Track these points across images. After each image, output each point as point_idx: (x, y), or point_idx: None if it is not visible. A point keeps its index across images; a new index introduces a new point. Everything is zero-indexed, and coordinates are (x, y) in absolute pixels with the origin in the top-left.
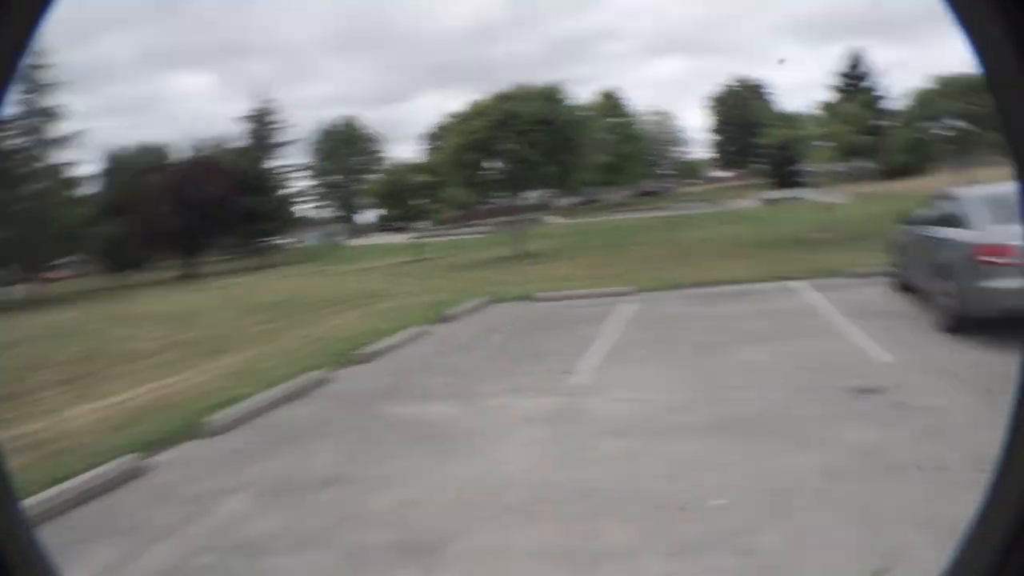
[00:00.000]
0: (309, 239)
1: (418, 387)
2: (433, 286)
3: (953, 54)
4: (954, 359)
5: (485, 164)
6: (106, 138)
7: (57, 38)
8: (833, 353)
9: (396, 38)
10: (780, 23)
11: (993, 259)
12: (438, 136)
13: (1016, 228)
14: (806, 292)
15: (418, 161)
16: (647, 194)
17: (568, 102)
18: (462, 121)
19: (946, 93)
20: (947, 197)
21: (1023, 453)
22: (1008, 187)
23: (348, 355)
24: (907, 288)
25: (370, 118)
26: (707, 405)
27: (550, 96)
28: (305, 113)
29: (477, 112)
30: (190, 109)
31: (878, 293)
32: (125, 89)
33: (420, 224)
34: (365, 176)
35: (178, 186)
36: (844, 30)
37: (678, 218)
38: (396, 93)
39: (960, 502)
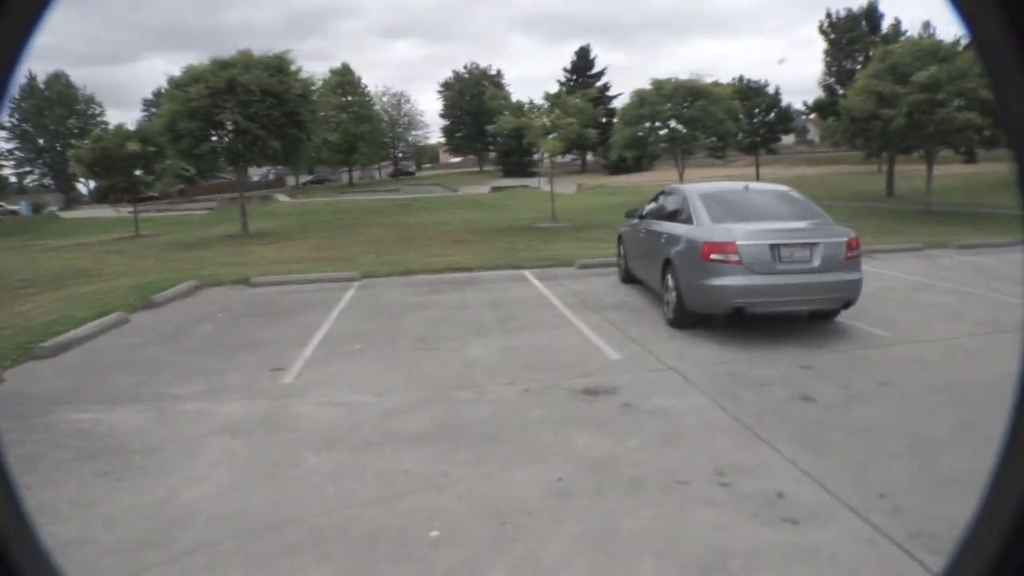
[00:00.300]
0: (24, 208)
1: (104, 388)
2: (146, 267)
3: (668, 62)
4: (682, 357)
5: (203, 135)
6: None
7: None
8: (561, 349)
9: None
10: (513, 17)
11: (718, 257)
12: (157, 103)
13: (740, 226)
14: (535, 281)
15: (133, 129)
16: (393, 175)
17: (295, 74)
18: (178, 87)
19: (662, 94)
20: (671, 193)
21: (1022, 453)
22: (729, 186)
23: (27, 349)
24: (634, 280)
25: (86, 77)
26: (428, 408)
27: (275, 66)
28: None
29: (194, 78)
30: None
31: (606, 284)
32: None
33: (143, 197)
34: (79, 142)
35: None
36: (573, 30)
37: (410, 201)
38: (118, 53)
39: (701, 523)
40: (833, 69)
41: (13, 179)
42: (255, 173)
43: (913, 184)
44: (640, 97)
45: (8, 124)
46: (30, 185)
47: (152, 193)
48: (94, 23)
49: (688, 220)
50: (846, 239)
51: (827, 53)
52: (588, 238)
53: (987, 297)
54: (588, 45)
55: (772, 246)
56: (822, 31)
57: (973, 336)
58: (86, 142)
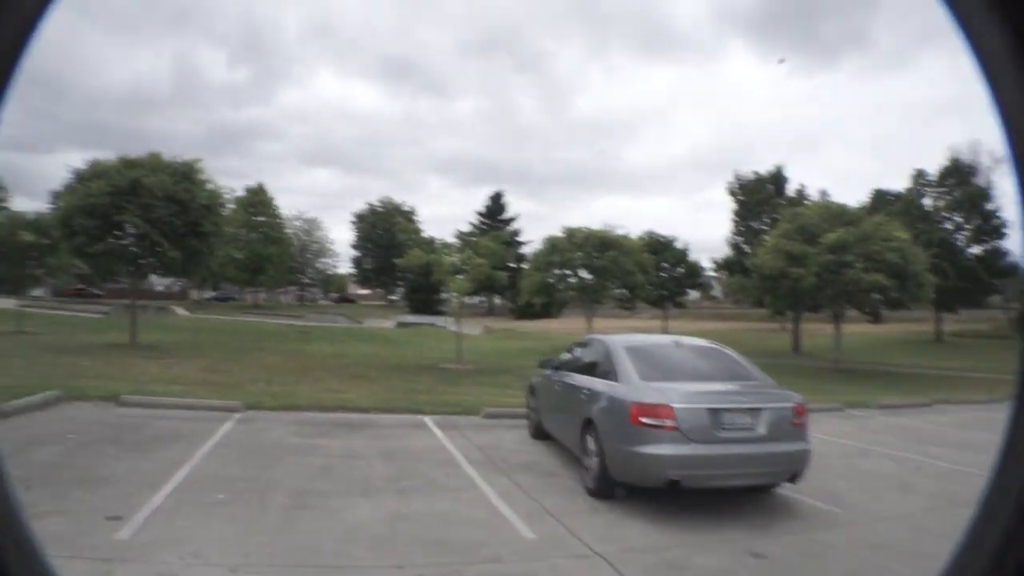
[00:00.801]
0: None
1: None
2: (10, 368)
3: (579, 213)
4: (610, 538)
5: (100, 235)
6: None
7: None
8: (464, 521)
9: (46, 82)
10: (431, 158)
11: (650, 421)
12: (59, 195)
13: (675, 386)
14: (436, 430)
15: (30, 218)
16: (297, 300)
17: (203, 184)
18: (80, 181)
19: (573, 243)
20: (589, 344)
21: (1020, 454)
22: (657, 339)
23: None
24: (547, 436)
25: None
26: None
27: (183, 173)
28: None
29: (97, 173)
30: None
31: (515, 439)
32: None
33: (36, 292)
34: None
35: None
36: (487, 176)
37: (313, 329)
38: (35, 142)
39: None
40: (741, 228)
41: None
42: (160, 283)
43: (817, 341)
44: (552, 244)
45: None
46: None
47: (36, 292)
48: (20, 108)
49: (611, 375)
50: (792, 404)
51: (736, 213)
52: (494, 383)
53: (928, 464)
54: (501, 191)
55: (712, 410)
56: (731, 192)
57: (931, 511)
58: None
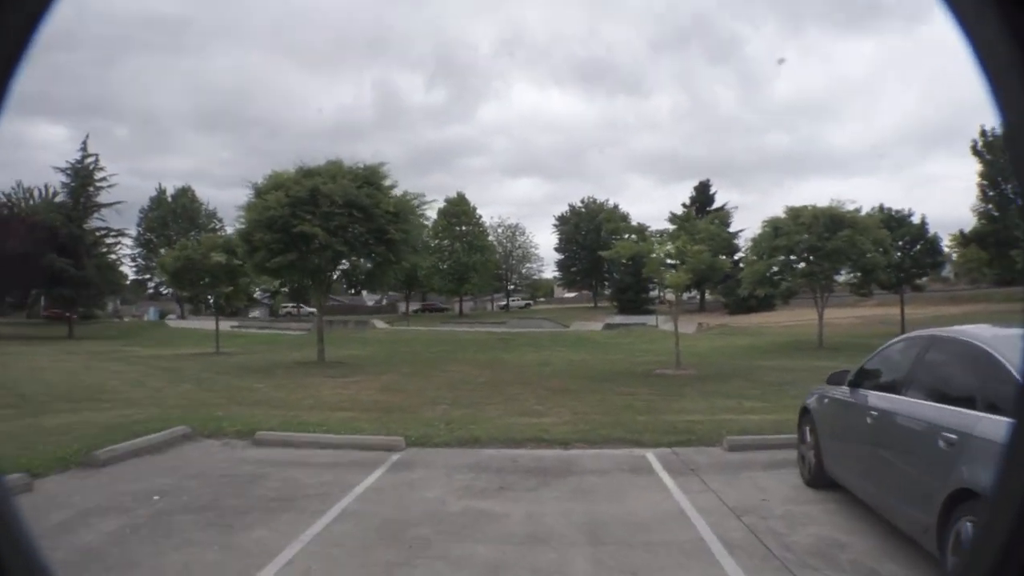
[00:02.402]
0: (151, 314)
1: None
2: (171, 394)
3: (785, 200)
4: None
5: (280, 248)
6: None
7: None
8: None
9: (260, 122)
10: (631, 157)
11: None
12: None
13: None
14: (664, 476)
15: (221, 240)
16: (502, 308)
17: (388, 189)
18: (258, 195)
19: (799, 224)
20: (939, 346)
21: (1022, 455)
22: None
23: None
24: (830, 483)
25: (221, 198)
26: None
27: (366, 178)
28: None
29: (274, 185)
30: (43, 161)
31: (782, 490)
32: None
33: (253, 313)
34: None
35: None
36: (689, 171)
37: (514, 336)
38: (255, 177)
39: None
40: (990, 194)
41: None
42: (370, 298)
43: None
44: (774, 227)
45: (135, 233)
46: (164, 292)
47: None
48: (239, 146)
49: (1003, 405)
50: None
51: (982, 176)
52: (724, 392)
53: None
54: (708, 180)
55: None
56: (976, 152)
57: None
58: (172, 250)
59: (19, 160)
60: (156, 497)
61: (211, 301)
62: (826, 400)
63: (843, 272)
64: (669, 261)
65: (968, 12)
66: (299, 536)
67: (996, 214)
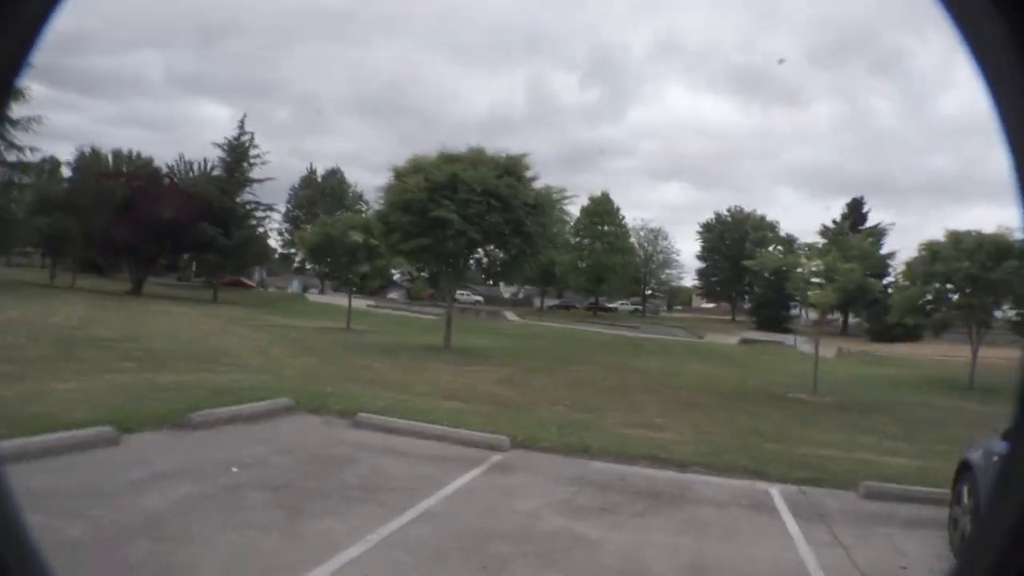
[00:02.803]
0: (294, 286)
1: None
2: (289, 365)
3: (944, 226)
4: None
5: (416, 231)
6: (120, 145)
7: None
8: None
9: (414, 112)
10: (783, 169)
11: None
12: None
13: None
14: (787, 520)
15: (361, 219)
16: (635, 310)
17: (530, 181)
18: (398, 177)
19: (960, 249)
20: None
21: (1021, 460)
22: None
23: None
24: None
25: (371, 182)
26: None
27: (507, 168)
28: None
29: (415, 168)
30: (206, 137)
31: (929, 556)
32: (151, 105)
33: (392, 295)
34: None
35: (132, 199)
36: (843, 187)
37: (646, 342)
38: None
39: None
40: None
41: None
42: (507, 290)
43: None
44: (932, 251)
45: (284, 210)
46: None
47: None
48: (395, 136)
49: None
50: None
51: None
52: (862, 426)
53: None
54: (862, 197)
55: None
56: None
57: None
58: (314, 225)
59: (185, 136)
60: (235, 469)
61: (346, 279)
62: (996, 459)
63: (1004, 308)
64: (815, 279)
65: (966, 12)
66: (369, 534)
67: None
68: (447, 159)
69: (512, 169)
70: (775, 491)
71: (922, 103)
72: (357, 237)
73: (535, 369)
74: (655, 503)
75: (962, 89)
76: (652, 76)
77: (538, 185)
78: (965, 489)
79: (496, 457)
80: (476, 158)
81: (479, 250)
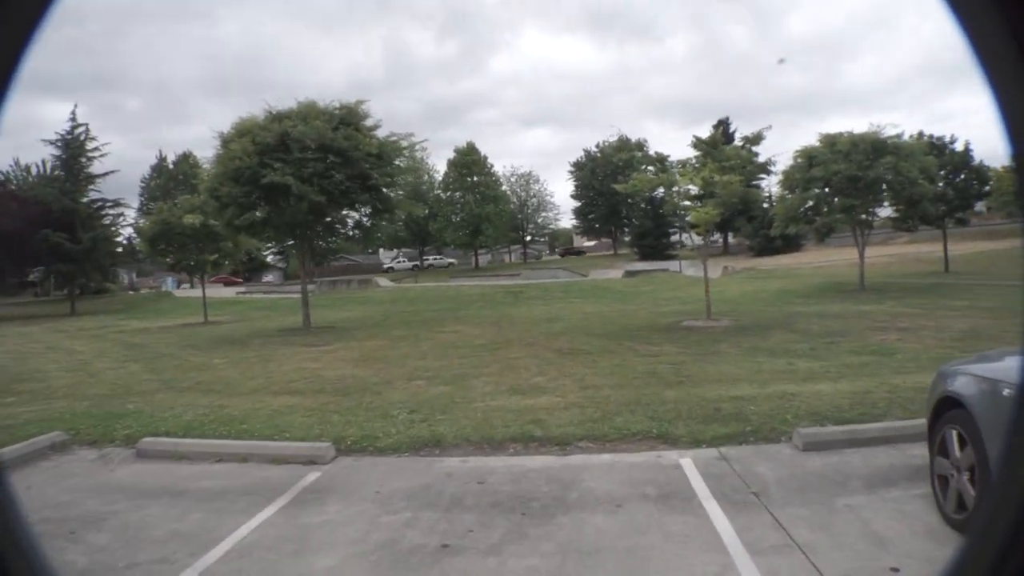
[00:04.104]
0: (168, 284)
1: None
2: (101, 380)
3: (804, 141)
4: None
5: (250, 203)
6: None
7: None
8: None
9: (272, 86)
10: (645, 104)
11: None
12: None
13: None
14: (712, 508)
15: (198, 200)
16: (522, 258)
17: (369, 129)
18: (224, 144)
19: (835, 151)
20: None
21: (1022, 454)
22: None
23: None
24: None
25: None
26: None
27: (343, 119)
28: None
29: (240, 132)
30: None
31: (919, 540)
32: None
33: (267, 278)
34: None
35: None
36: (705, 114)
37: (526, 288)
38: None
39: None
40: None
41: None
42: (387, 256)
43: None
44: (808, 157)
45: (138, 203)
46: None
47: (267, 278)
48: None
49: None
50: None
51: None
52: (768, 348)
53: None
54: (727, 118)
55: None
56: None
57: None
58: (150, 215)
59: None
60: None
61: (193, 267)
62: (1006, 392)
63: (884, 206)
64: (693, 191)
65: (968, 10)
66: None
67: None
68: (275, 118)
69: (349, 119)
70: (687, 462)
71: (772, 24)
72: (193, 220)
73: (401, 337)
74: (523, 521)
75: (808, 7)
76: (507, 23)
77: (381, 133)
78: (954, 435)
79: (311, 477)
80: (307, 111)
81: (329, 215)
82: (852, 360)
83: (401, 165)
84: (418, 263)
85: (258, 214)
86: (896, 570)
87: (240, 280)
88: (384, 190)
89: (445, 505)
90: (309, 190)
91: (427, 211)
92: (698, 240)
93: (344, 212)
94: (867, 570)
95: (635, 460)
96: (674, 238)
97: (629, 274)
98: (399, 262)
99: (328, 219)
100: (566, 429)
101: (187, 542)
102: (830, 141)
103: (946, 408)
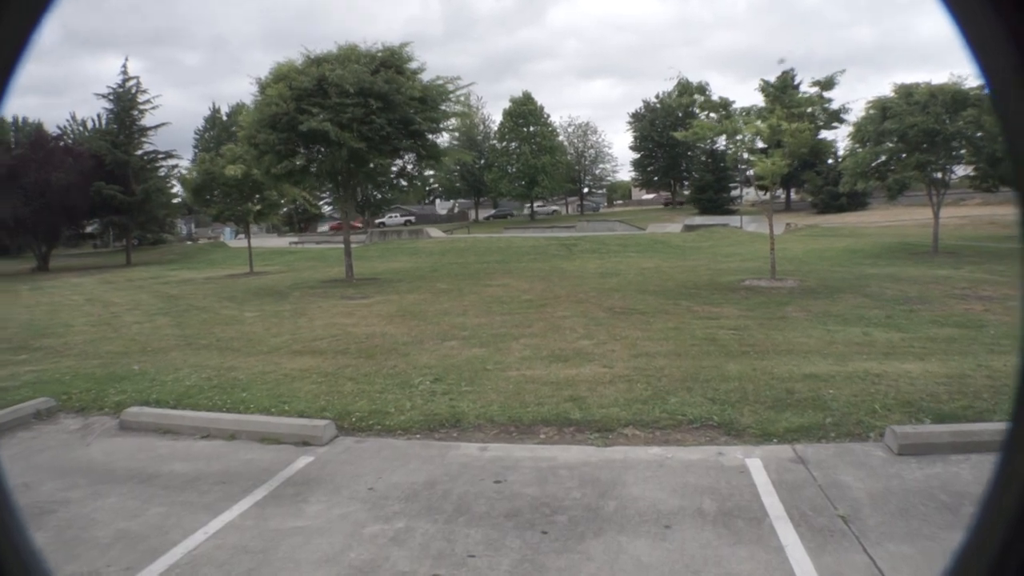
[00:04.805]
0: (227, 235)
1: None
2: (139, 332)
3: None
4: None
5: (287, 150)
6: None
7: None
8: None
9: (328, 39)
10: (707, 56)
11: None
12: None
13: None
14: (786, 539)
15: (241, 149)
16: (573, 212)
17: (413, 73)
18: (261, 91)
19: (912, 103)
20: None
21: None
22: None
23: None
24: None
25: None
26: None
27: (384, 62)
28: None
29: (278, 77)
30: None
31: None
32: (46, 69)
33: (322, 228)
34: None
35: (16, 169)
36: (769, 67)
37: (580, 241)
38: None
39: None
40: None
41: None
42: (442, 207)
43: None
44: (882, 108)
45: (192, 155)
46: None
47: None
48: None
49: None
50: None
51: None
52: (840, 315)
53: None
54: (792, 69)
55: None
56: None
57: None
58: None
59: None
60: None
61: (237, 217)
62: None
63: (962, 164)
64: (759, 144)
65: (966, 11)
66: None
67: None
68: (313, 62)
69: (390, 62)
70: (756, 463)
71: None
72: (235, 172)
73: (444, 291)
74: (541, 544)
75: None
76: None
77: (425, 77)
78: None
79: (300, 463)
80: (346, 55)
81: (370, 162)
82: (936, 332)
83: (447, 110)
84: (411, 218)
85: (297, 162)
86: None
87: (360, 226)
88: (429, 136)
89: (449, 512)
90: (348, 136)
91: (481, 161)
92: (760, 195)
93: (388, 160)
94: None
95: (691, 457)
96: (735, 193)
97: (688, 228)
98: (390, 217)
99: (371, 166)
100: (609, 411)
101: (131, 548)
102: (906, 92)
103: None
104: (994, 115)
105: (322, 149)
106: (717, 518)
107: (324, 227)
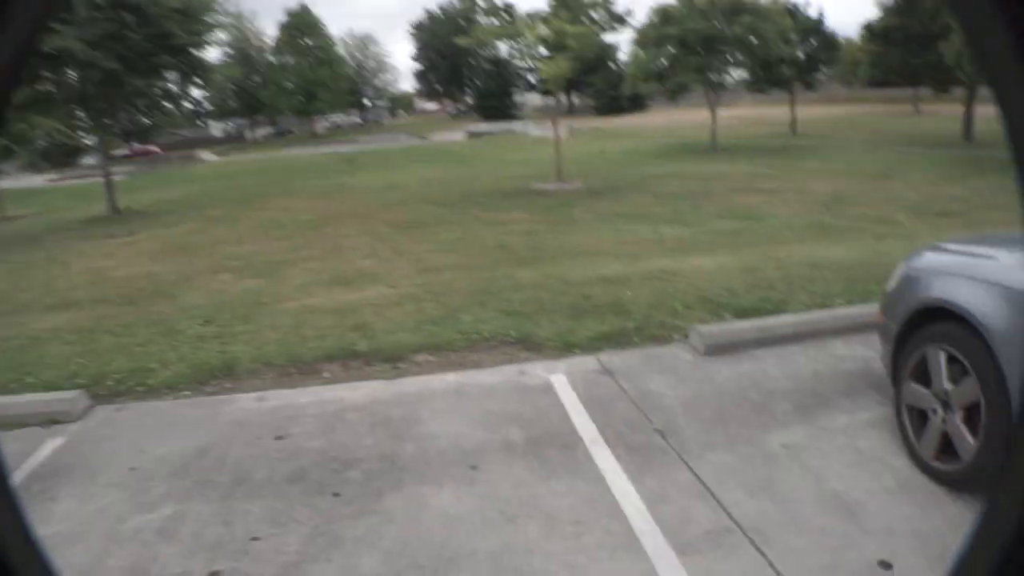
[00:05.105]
0: None
1: None
2: None
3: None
4: None
5: (29, 76)
6: None
7: None
8: None
9: None
10: None
11: None
12: None
13: None
14: (599, 459)
15: None
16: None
17: None
18: None
19: (694, 9)
20: None
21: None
22: None
23: None
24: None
25: None
26: None
27: None
28: None
29: None
30: None
31: (886, 485)
32: None
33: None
34: None
35: None
36: None
37: (363, 155)
38: None
39: None
40: None
41: None
42: (216, 128)
43: (991, 127)
44: (664, 13)
45: None
46: None
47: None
48: None
49: None
50: None
51: None
52: (627, 214)
53: None
54: None
55: None
56: None
57: None
58: None
59: None
60: None
61: None
62: (987, 287)
63: (746, 64)
64: (542, 51)
65: (966, 11)
66: None
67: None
68: None
69: None
70: (560, 379)
71: None
72: None
73: (219, 219)
74: (334, 510)
75: None
76: None
77: None
78: (943, 358)
79: (47, 448)
80: None
81: (128, 85)
82: (722, 226)
83: (212, 22)
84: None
85: (41, 88)
86: (888, 566)
87: (159, 151)
88: (193, 52)
89: (226, 485)
90: (99, 56)
91: (257, 79)
92: (544, 100)
93: (148, 80)
94: (847, 568)
95: (491, 380)
96: (517, 98)
97: (473, 135)
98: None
99: (128, 89)
100: (398, 336)
101: None
102: None
103: (929, 320)
104: (1000, 116)
105: (70, 72)
106: (527, 449)
107: (91, 160)
